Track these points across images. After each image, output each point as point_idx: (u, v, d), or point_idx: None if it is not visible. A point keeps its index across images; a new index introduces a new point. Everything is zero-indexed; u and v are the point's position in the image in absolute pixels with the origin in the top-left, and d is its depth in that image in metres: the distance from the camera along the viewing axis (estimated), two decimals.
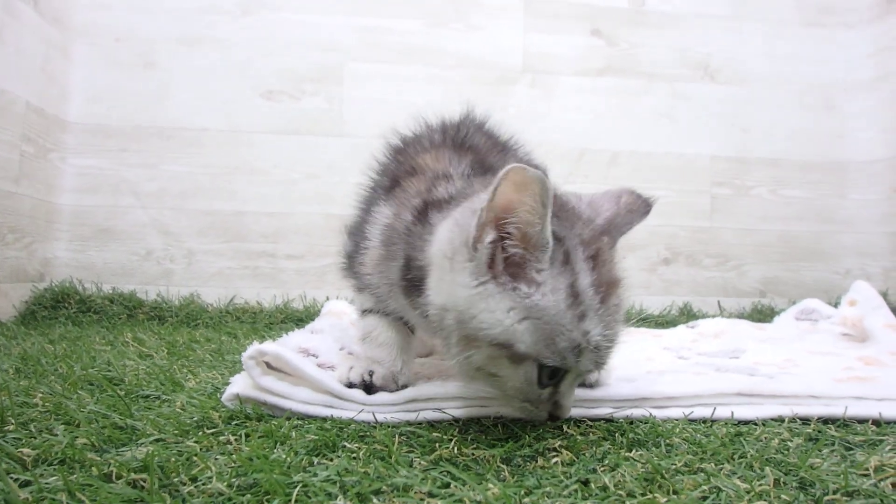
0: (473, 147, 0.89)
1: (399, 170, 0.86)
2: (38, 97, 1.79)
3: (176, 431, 0.64)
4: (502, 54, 2.17)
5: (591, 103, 2.21)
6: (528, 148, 1.04)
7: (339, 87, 2.08)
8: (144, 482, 0.50)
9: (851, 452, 0.64)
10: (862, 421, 0.75)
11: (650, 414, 0.75)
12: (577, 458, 0.59)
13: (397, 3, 2.13)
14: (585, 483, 0.52)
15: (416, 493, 0.49)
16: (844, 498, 0.50)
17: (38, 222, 1.84)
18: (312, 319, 1.55)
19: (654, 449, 0.63)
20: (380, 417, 0.73)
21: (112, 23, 1.99)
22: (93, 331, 1.57)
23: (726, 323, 1.62)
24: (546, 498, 0.49)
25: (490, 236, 0.61)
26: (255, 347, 0.76)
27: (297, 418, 0.73)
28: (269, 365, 0.78)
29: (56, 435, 0.61)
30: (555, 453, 0.61)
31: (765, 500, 0.49)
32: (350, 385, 0.77)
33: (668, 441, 0.66)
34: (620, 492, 0.50)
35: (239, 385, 0.77)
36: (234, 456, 0.56)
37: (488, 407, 0.75)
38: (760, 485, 0.52)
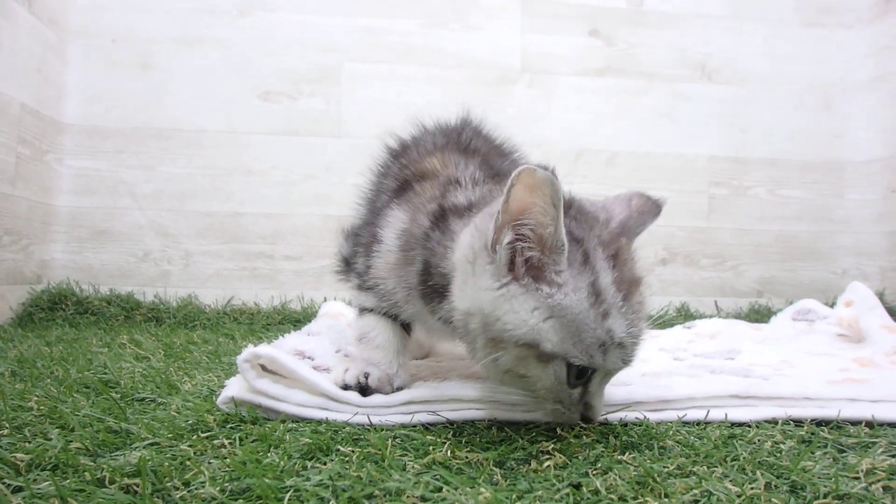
0: (477, 150, 0.90)
1: (406, 173, 0.86)
2: (33, 99, 1.79)
3: (170, 435, 0.65)
4: (501, 54, 2.17)
5: (590, 103, 2.21)
6: (524, 150, 1.05)
7: (338, 87, 2.08)
8: (138, 487, 0.50)
9: (844, 455, 0.64)
10: (855, 423, 0.76)
11: (644, 416, 0.75)
12: (570, 462, 0.59)
13: (395, 4, 2.13)
14: (577, 487, 0.52)
15: (408, 497, 0.49)
16: (835, 501, 0.50)
17: (34, 224, 1.84)
18: (310, 320, 1.55)
19: (647, 452, 0.63)
20: (375, 420, 0.73)
21: (109, 23, 1.99)
22: (90, 333, 1.57)
23: (723, 323, 1.62)
24: (537, 502, 0.49)
25: (507, 237, 0.63)
26: (249, 350, 0.76)
27: (293, 421, 0.73)
28: (264, 368, 0.78)
29: (50, 439, 0.61)
30: (548, 456, 0.61)
31: None
32: (345, 387, 0.77)
33: (661, 444, 0.66)
34: (612, 496, 0.50)
35: (234, 388, 0.77)
36: (227, 460, 0.57)
37: (483, 410, 0.75)
38: (752, 488, 0.52)
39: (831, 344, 1.30)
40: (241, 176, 2.03)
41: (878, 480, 0.54)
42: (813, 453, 0.64)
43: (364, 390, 0.78)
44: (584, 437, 0.67)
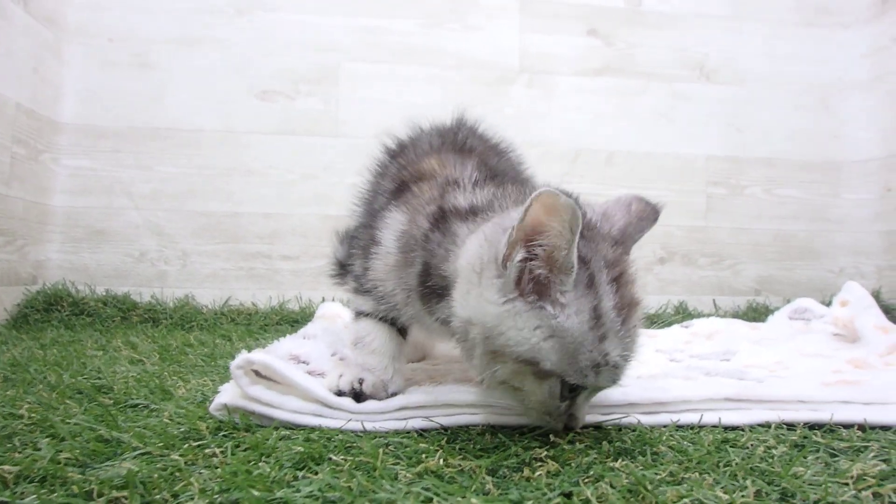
0: (473, 149, 0.90)
1: (404, 174, 0.86)
2: (29, 98, 1.78)
3: (161, 444, 0.64)
4: (499, 54, 2.16)
5: (589, 103, 2.20)
6: (519, 151, 1.05)
7: (336, 87, 2.08)
8: (126, 500, 0.50)
9: (836, 459, 0.64)
10: (848, 426, 0.75)
11: (638, 421, 0.75)
12: (563, 469, 0.59)
13: (394, 4, 2.12)
14: (568, 496, 0.52)
15: None
16: None
17: (30, 224, 1.83)
18: (308, 321, 1.55)
19: (640, 458, 0.63)
20: (368, 426, 0.73)
21: (106, 23, 1.98)
22: (85, 334, 1.56)
23: (721, 323, 1.62)
24: None
25: (520, 255, 0.63)
26: (243, 356, 0.75)
27: (286, 428, 0.73)
28: (258, 373, 0.78)
29: (39, 450, 0.61)
30: (541, 464, 0.61)
31: None
32: (339, 393, 0.77)
33: (654, 450, 0.66)
34: None
35: (227, 394, 0.77)
36: (218, 470, 0.56)
37: (478, 415, 0.75)
38: (742, 496, 0.52)
39: (826, 344, 1.30)
40: (239, 176, 2.02)
41: (868, 487, 0.54)
42: (805, 458, 0.64)
43: (358, 396, 0.77)
44: (578, 443, 0.67)
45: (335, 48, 2.08)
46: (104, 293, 1.91)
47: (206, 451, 0.62)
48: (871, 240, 2.25)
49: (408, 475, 0.56)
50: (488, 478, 0.57)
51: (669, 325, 1.73)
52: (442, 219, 0.75)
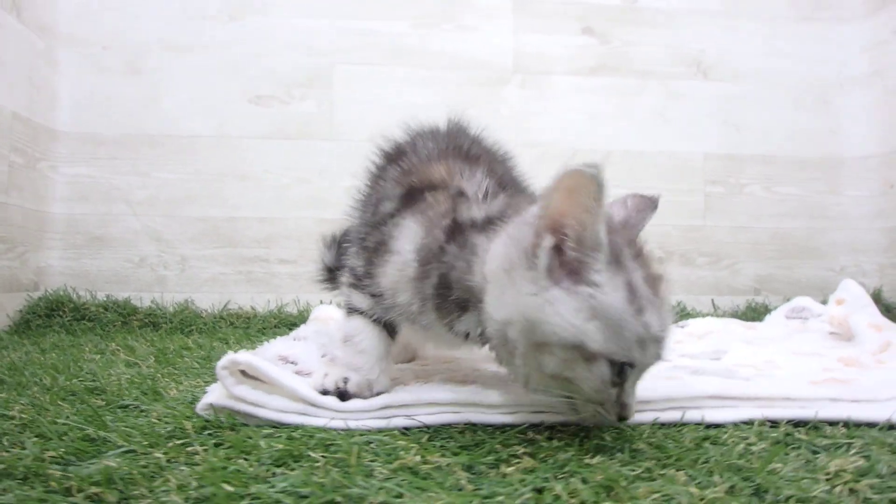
0: (479, 158, 0.90)
1: (411, 179, 0.86)
2: (25, 107, 1.80)
3: (146, 443, 0.65)
4: (493, 55, 2.17)
5: (584, 103, 2.20)
6: (516, 152, 1.05)
7: (330, 90, 2.09)
8: (103, 496, 0.51)
9: (817, 456, 0.64)
10: (834, 423, 0.75)
11: None
12: (539, 466, 0.60)
13: (386, 5, 2.13)
14: (540, 492, 0.52)
15: (369, 503, 0.49)
16: None
17: (29, 232, 1.86)
18: (306, 324, 1.56)
19: (617, 455, 0.63)
20: (352, 425, 0.73)
21: (99, 30, 2.00)
22: (86, 339, 1.58)
23: (716, 322, 1.62)
24: None
25: (548, 241, 0.64)
26: (228, 357, 0.76)
27: (271, 427, 0.74)
28: (246, 374, 0.79)
29: (25, 448, 0.62)
30: (517, 460, 0.61)
31: None
32: (325, 392, 0.78)
33: (633, 447, 0.66)
34: (573, 500, 0.51)
35: (214, 394, 0.78)
36: (198, 467, 0.57)
37: (460, 413, 0.75)
38: (714, 492, 0.52)
39: (821, 343, 1.29)
40: (235, 180, 2.04)
41: (845, 482, 0.54)
42: (787, 454, 0.64)
43: (343, 395, 0.78)
44: (557, 440, 0.67)
45: (328, 51, 2.09)
46: (105, 298, 1.93)
47: (189, 449, 0.63)
48: (871, 237, 2.24)
49: (383, 471, 0.57)
50: (464, 474, 0.57)
51: None
52: (458, 231, 0.76)
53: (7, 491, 0.51)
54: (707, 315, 1.93)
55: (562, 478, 0.56)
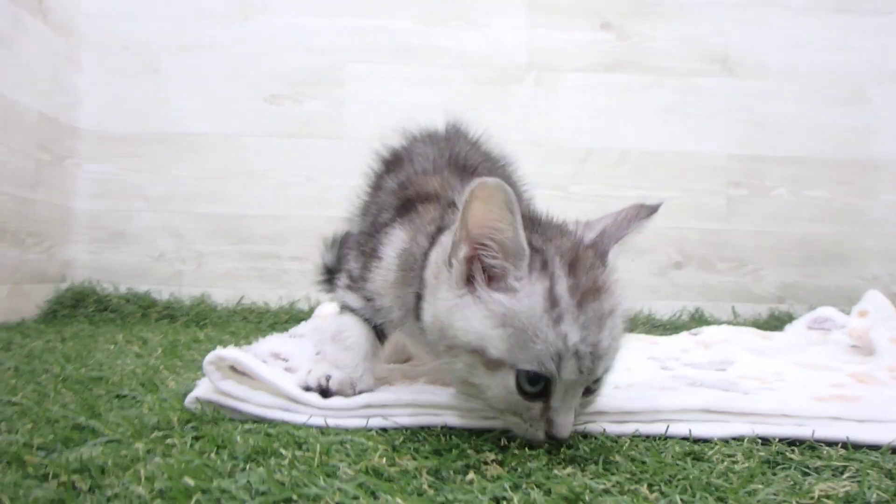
0: (475, 168, 0.91)
1: (408, 191, 0.87)
2: (50, 106, 1.89)
3: (130, 433, 0.67)
4: (506, 51, 2.14)
5: (599, 100, 2.15)
6: (512, 158, 1.05)
7: (339, 89, 2.11)
8: (78, 483, 0.53)
9: (806, 478, 0.61)
10: (833, 444, 0.72)
11: (604, 430, 0.74)
12: (508, 473, 0.59)
13: (395, 3, 2.13)
14: (497, 501, 0.52)
15: (325, 503, 0.50)
16: None
17: (55, 226, 1.94)
18: (307, 321, 1.58)
19: (590, 467, 0.62)
20: (331, 422, 0.74)
21: (118, 31, 2.07)
22: (106, 329, 1.64)
23: (730, 331, 1.57)
24: None
25: (463, 252, 0.66)
26: (215, 353, 0.78)
27: (253, 422, 0.75)
28: (234, 369, 0.81)
29: (16, 434, 0.65)
30: (486, 467, 0.61)
31: None
32: (307, 389, 0.79)
33: (609, 459, 0.65)
34: None
35: (202, 388, 0.80)
36: (170, 459, 0.59)
37: (440, 416, 0.75)
38: None
39: (838, 356, 1.24)
40: (246, 178, 2.09)
41: None
42: (774, 475, 0.62)
43: (325, 392, 0.79)
44: (530, 448, 0.66)
45: (338, 50, 2.11)
46: (126, 291, 2.00)
47: (168, 441, 0.65)
48: None
49: (348, 472, 0.57)
50: (429, 478, 0.57)
51: (679, 332, 1.69)
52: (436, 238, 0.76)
53: None
54: (724, 323, 1.87)
55: (524, 488, 0.55)
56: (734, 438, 0.74)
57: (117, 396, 0.87)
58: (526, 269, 0.64)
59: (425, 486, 0.55)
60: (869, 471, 0.63)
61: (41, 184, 1.85)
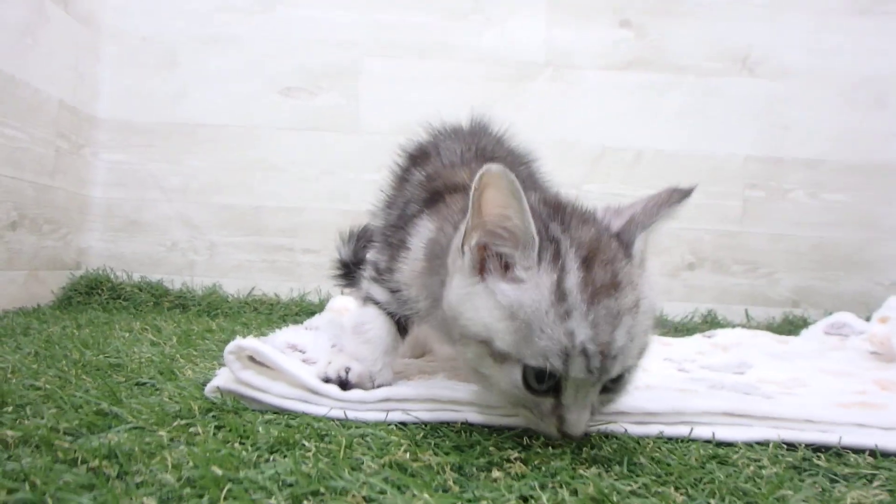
0: (501, 160, 0.90)
1: (436, 184, 0.87)
2: (70, 96, 1.89)
3: (153, 421, 0.67)
4: (523, 48, 2.12)
5: (616, 99, 2.13)
6: (541, 150, 1.05)
7: (356, 83, 2.10)
8: (107, 469, 0.53)
9: (835, 486, 0.60)
10: (860, 451, 0.71)
11: (625, 430, 0.73)
12: (531, 472, 0.59)
13: None
14: (525, 500, 0.52)
15: (352, 496, 0.50)
16: None
17: (72, 214, 1.95)
18: (321, 314, 1.58)
19: (615, 468, 0.61)
20: (350, 415, 0.74)
21: (138, 23, 2.07)
22: (119, 317, 1.65)
23: (745, 334, 1.56)
24: None
25: (474, 240, 0.65)
26: (235, 342, 0.78)
27: (273, 412, 0.75)
28: (253, 359, 0.81)
29: (43, 419, 0.65)
30: (510, 465, 0.60)
31: None
32: (326, 380, 0.79)
33: (634, 460, 0.64)
34: None
35: (222, 378, 0.80)
36: (195, 448, 0.59)
37: (460, 412, 0.75)
38: None
39: (858, 363, 1.23)
40: (262, 170, 2.09)
41: None
42: (802, 481, 0.61)
43: (344, 385, 0.79)
44: (554, 448, 0.66)
45: (355, 44, 2.10)
46: (139, 280, 2.01)
47: (191, 429, 0.65)
48: None
49: (372, 466, 0.57)
50: (452, 475, 0.57)
51: (691, 334, 1.68)
52: None
53: (17, 459, 0.53)
54: (738, 326, 1.86)
55: (551, 487, 0.55)
56: (758, 443, 0.73)
57: (137, 384, 0.87)
58: (535, 258, 0.62)
59: (450, 483, 0.55)
60: None
61: (59, 171, 1.86)
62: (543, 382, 0.62)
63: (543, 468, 0.60)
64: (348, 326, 0.90)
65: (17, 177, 1.66)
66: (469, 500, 0.51)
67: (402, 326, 0.87)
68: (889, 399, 0.91)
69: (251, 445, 0.61)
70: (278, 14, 2.10)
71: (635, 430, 0.74)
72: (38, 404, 0.72)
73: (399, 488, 0.52)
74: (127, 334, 1.33)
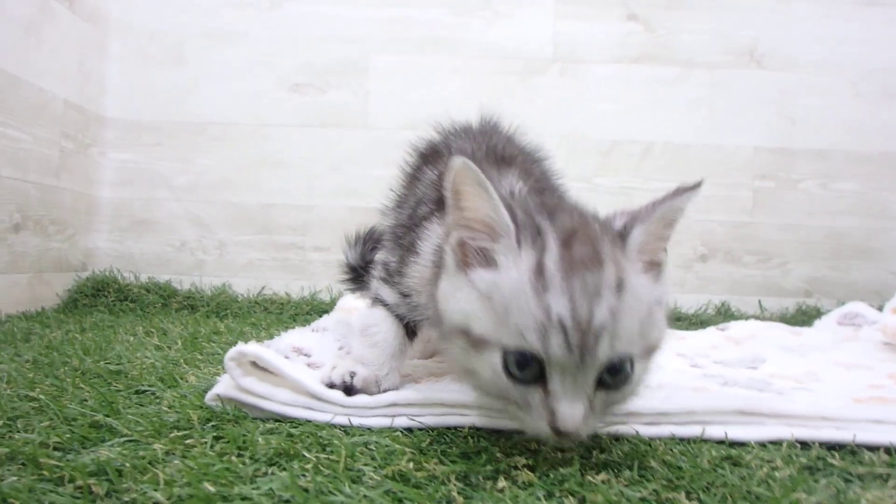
0: (514, 160, 0.88)
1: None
2: (76, 94, 1.88)
3: (148, 433, 0.66)
4: (531, 43, 2.10)
5: (625, 93, 2.11)
6: (553, 143, 1.03)
7: (365, 79, 2.08)
8: (96, 487, 0.51)
9: (850, 486, 0.58)
10: (875, 449, 0.69)
11: (636, 432, 0.71)
12: (539, 480, 0.57)
13: None
14: None
15: None
16: None
17: (79, 215, 1.95)
18: (329, 314, 1.57)
19: (625, 473, 0.59)
20: (356, 421, 0.72)
21: (145, 20, 2.06)
22: (126, 319, 1.65)
23: (759, 326, 1.53)
24: None
25: (454, 238, 0.64)
26: (236, 349, 0.76)
27: (275, 420, 0.73)
28: (257, 365, 0.79)
29: (33, 433, 0.64)
30: (517, 472, 0.58)
31: None
32: (331, 385, 0.77)
33: (644, 464, 0.62)
34: None
35: (223, 385, 0.78)
36: (189, 462, 0.57)
37: (467, 416, 0.73)
38: None
39: (872, 354, 1.19)
40: (271, 168, 2.07)
41: None
42: (816, 482, 0.59)
43: (349, 390, 0.77)
44: (563, 452, 0.64)
45: (364, 39, 2.08)
46: (147, 280, 2.00)
47: (188, 441, 0.64)
48: None
49: (374, 477, 0.55)
50: (457, 485, 0.55)
51: (704, 326, 1.65)
52: None
53: (7, 476, 0.52)
54: (751, 317, 1.83)
55: (558, 497, 0.53)
56: (771, 442, 0.71)
57: (136, 392, 0.85)
58: (513, 243, 0.60)
59: (454, 494, 0.53)
60: None
61: (65, 171, 1.85)
62: (525, 369, 0.57)
63: (551, 475, 0.58)
64: (356, 328, 0.88)
65: (21, 178, 1.65)
66: None
67: (410, 329, 0.86)
68: None
69: (249, 458, 0.59)
70: (286, 10, 2.08)
71: (647, 431, 0.72)
72: (31, 417, 0.71)
73: (401, 502, 0.50)
74: (131, 338, 1.32)
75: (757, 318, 1.80)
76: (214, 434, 0.66)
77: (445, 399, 0.75)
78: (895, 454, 0.67)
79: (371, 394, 0.77)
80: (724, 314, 1.99)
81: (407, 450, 0.63)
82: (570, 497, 0.53)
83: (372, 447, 0.64)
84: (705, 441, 0.71)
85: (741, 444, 0.70)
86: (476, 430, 0.71)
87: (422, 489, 0.54)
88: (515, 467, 0.60)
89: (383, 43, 2.08)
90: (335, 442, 0.64)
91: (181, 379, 0.92)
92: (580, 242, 0.59)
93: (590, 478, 0.57)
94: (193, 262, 2.07)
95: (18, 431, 0.65)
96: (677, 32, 2.12)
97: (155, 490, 0.49)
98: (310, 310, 1.91)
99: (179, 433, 0.66)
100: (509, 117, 1.02)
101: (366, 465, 0.59)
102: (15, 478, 0.51)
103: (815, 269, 2.11)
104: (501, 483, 0.55)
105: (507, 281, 0.58)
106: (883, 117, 2.11)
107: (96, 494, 0.50)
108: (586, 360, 0.56)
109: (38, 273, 1.77)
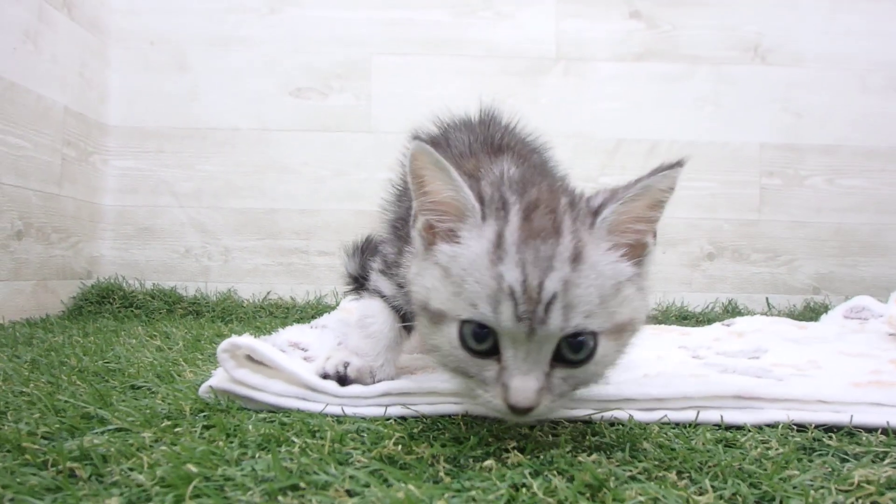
0: (507, 147, 0.88)
1: None
2: (77, 102, 1.90)
3: (139, 423, 0.66)
4: (534, 42, 2.10)
5: (629, 90, 2.10)
6: (556, 141, 1.03)
7: (367, 81, 2.09)
8: (78, 471, 0.51)
9: (844, 465, 0.57)
10: (873, 430, 0.67)
11: (630, 416, 0.70)
12: (529, 460, 0.56)
13: None
14: (517, 488, 0.49)
15: (335, 490, 0.47)
16: None
17: (82, 223, 1.97)
18: (330, 313, 1.57)
19: (617, 454, 0.58)
20: (349, 411, 0.72)
21: (146, 26, 2.08)
22: (130, 325, 1.65)
23: (765, 321, 1.51)
24: (468, 502, 0.46)
25: (421, 221, 0.65)
26: (229, 340, 0.76)
27: (269, 411, 0.73)
28: (251, 358, 0.79)
29: (18, 423, 0.64)
30: (507, 454, 0.57)
31: None
32: (325, 376, 0.77)
33: (637, 445, 0.61)
34: (550, 499, 0.47)
35: (216, 378, 0.78)
36: (176, 448, 0.57)
37: (460, 404, 0.72)
38: (708, 499, 0.47)
39: (877, 344, 1.17)
40: (275, 173, 2.08)
41: (868, 494, 0.47)
42: (811, 461, 0.58)
43: (343, 380, 0.77)
44: (555, 436, 0.63)
45: (365, 42, 2.09)
46: (152, 287, 2.01)
47: (177, 430, 0.63)
48: None
49: (362, 460, 0.55)
50: (446, 466, 0.54)
51: (711, 323, 1.63)
52: None
53: None
54: (762, 314, 1.80)
55: (545, 475, 0.52)
56: (768, 425, 0.69)
57: (131, 387, 0.86)
58: (478, 220, 0.60)
59: (441, 474, 0.52)
60: None
61: (67, 180, 1.87)
62: (482, 342, 0.57)
63: (541, 456, 0.57)
64: (354, 318, 0.88)
65: (22, 185, 1.67)
66: (457, 491, 0.48)
67: (409, 321, 0.85)
68: None
69: (238, 443, 0.59)
70: (287, 14, 2.10)
71: (641, 416, 0.71)
72: (21, 410, 0.71)
73: (386, 481, 0.50)
74: (133, 341, 1.33)
75: (764, 315, 1.77)
76: (204, 423, 0.66)
77: (439, 388, 0.74)
78: (892, 435, 0.65)
79: (365, 384, 0.77)
80: (732, 312, 1.96)
81: (396, 434, 0.62)
82: (559, 476, 0.52)
83: (363, 433, 0.64)
84: (701, 425, 0.69)
85: (737, 428, 0.69)
86: (469, 418, 0.70)
87: (409, 470, 0.53)
88: (505, 450, 0.59)
89: (385, 45, 2.09)
90: (325, 428, 0.64)
91: (178, 376, 0.92)
92: (541, 214, 0.59)
93: (580, 458, 0.56)
94: (198, 268, 2.08)
95: (7, 423, 0.65)
96: (680, 29, 2.11)
97: (139, 473, 0.49)
98: (315, 314, 1.90)
99: (170, 422, 0.66)
100: (512, 113, 1.02)
101: (354, 448, 0.58)
102: None
103: (823, 266, 2.08)
104: (489, 462, 0.55)
105: (465, 253, 0.58)
106: (891, 111, 2.09)
107: (79, 477, 0.50)
108: (537, 331, 0.54)
109: (42, 281, 1.78)
